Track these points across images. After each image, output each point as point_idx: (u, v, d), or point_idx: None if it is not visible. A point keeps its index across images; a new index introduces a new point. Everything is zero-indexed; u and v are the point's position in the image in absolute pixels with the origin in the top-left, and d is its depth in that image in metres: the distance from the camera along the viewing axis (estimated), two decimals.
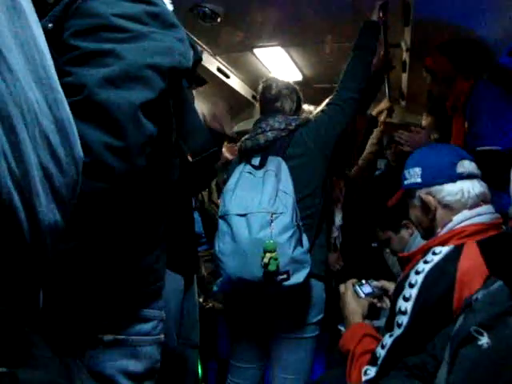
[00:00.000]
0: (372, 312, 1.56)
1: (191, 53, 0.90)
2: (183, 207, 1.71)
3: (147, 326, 0.96)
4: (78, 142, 0.51)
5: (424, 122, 2.79)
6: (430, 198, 1.38)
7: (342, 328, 1.55)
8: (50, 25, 0.78)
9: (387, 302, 1.63)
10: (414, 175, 1.42)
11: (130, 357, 0.92)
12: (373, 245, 2.58)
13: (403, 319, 1.21)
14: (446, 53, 2.12)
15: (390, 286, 1.63)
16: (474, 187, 1.35)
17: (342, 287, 1.61)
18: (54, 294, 0.54)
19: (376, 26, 2.03)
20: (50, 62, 0.48)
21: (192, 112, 0.98)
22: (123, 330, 0.92)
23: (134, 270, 0.94)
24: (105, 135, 0.71)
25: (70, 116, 0.50)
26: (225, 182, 1.99)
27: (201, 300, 2.35)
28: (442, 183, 1.36)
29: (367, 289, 1.59)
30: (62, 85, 0.51)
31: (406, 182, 1.47)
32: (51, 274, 0.52)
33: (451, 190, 1.35)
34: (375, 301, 1.59)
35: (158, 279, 1.00)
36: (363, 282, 1.61)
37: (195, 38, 2.42)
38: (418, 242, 1.79)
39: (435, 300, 1.17)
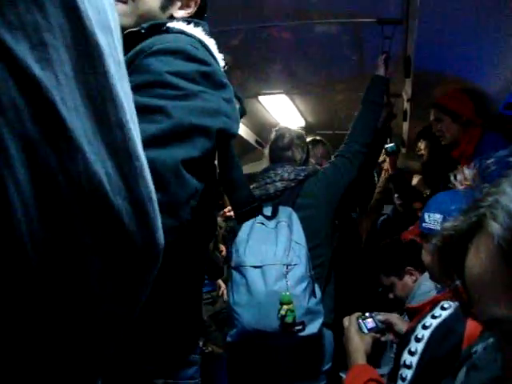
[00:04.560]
0: (375, 348, 1.53)
1: (237, 111, 0.94)
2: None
3: (191, 371, 0.99)
4: (159, 222, 0.39)
5: (414, 181, 2.84)
6: None
7: (344, 375, 1.52)
8: None
9: (391, 337, 1.61)
10: (433, 221, 1.40)
11: None
12: (379, 290, 2.56)
13: (407, 373, 1.20)
14: (473, 98, 2.14)
15: (394, 319, 1.61)
16: None
17: (345, 321, 1.59)
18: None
19: (384, 82, 2.08)
20: (132, 123, 0.38)
21: (236, 167, 1.02)
22: (172, 374, 0.95)
23: (186, 318, 0.98)
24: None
25: (151, 192, 0.39)
26: (231, 230, 2.00)
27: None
28: None
29: (371, 324, 1.57)
30: None
31: (424, 225, 1.44)
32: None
33: None
34: (378, 336, 1.56)
35: (203, 328, 1.04)
36: (367, 314, 1.58)
37: None
38: (422, 289, 1.78)
39: (441, 357, 1.15)
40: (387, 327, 1.62)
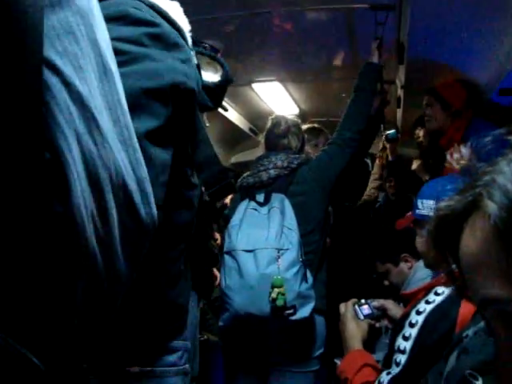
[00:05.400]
0: (371, 334, 1.55)
1: (196, 73, 0.89)
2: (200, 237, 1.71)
3: (172, 357, 0.96)
4: (153, 199, 0.51)
5: (414, 166, 2.85)
6: None
7: (338, 362, 1.54)
8: None
9: (386, 323, 1.62)
10: (427, 207, 1.41)
11: None
12: (373, 276, 2.58)
13: (401, 358, 1.21)
14: (467, 87, 2.15)
15: (388, 305, 1.63)
16: None
17: (342, 307, 1.60)
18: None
19: (376, 68, 2.08)
20: (130, 121, 0.50)
21: (206, 141, 0.97)
22: (149, 362, 0.92)
23: (157, 306, 0.94)
24: None
25: (147, 174, 0.51)
26: (226, 217, 2.01)
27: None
28: None
29: (366, 310, 1.58)
30: None
31: (417, 212, 1.46)
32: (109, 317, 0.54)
33: None
34: (373, 322, 1.58)
35: (182, 314, 1.00)
36: (363, 301, 1.60)
37: None
38: (418, 276, 1.79)
39: (434, 341, 1.17)
40: (382, 313, 1.63)
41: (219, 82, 1.05)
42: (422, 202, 1.44)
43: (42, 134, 0.40)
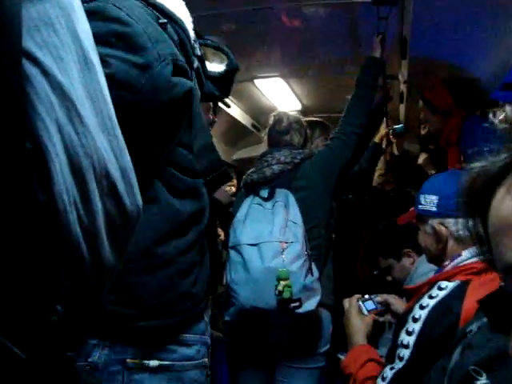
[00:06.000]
0: (375, 330, 1.56)
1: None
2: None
3: (190, 351, 0.97)
4: (138, 189, 0.52)
5: (420, 160, 2.85)
6: (443, 229, 1.35)
7: (342, 357, 1.54)
8: None
9: (389, 318, 1.63)
10: (429, 203, 1.39)
11: (175, 382, 0.94)
12: (374, 272, 2.58)
13: (405, 353, 1.21)
14: (448, 86, 2.16)
15: (393, 300, 1.63)
16: None
17: (346, 302, 1.61)
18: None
19: (378, 63, 2.08)
20: (113, 112, 0.50)
21: (203, 129, 0.96)
22: (167, 355, 0.94)
23: (170, 296, 0.95)
24: None
25: (131, 164, 0.51)
26: (229, 214, 2.01)
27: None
28: (456, 216, 1.33)
29: (370, 305, 1.59)
30: None
31: (420, 207, 1.44)
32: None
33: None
34: (377, 317, 1.58)
35: (196, 304, 1.00)
36: (366, 297, 1.60)
37: None
38: (420, 271, 1.79)
39: (438, 336, 1.16)
40: (386, 308, 1.64)
41: (225, 70, 1.07)
42: (424, 198, 1.42)
43: (22, 124, 0.41)
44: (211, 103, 1.79)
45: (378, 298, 1.63)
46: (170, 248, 0.95)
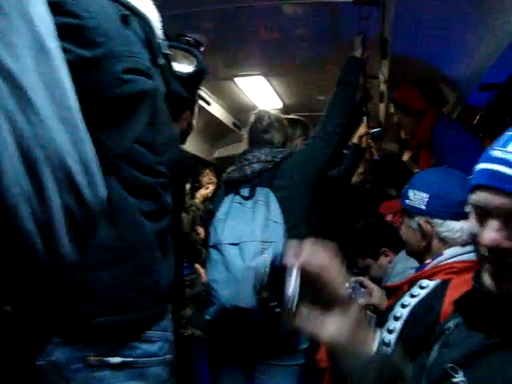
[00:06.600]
0: None
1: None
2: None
3: (153, 348, 0.97)
4: (102, 181, 0.50)
5: (405, 157, 2.88)
6: (429, 228, 1.34)
7: None
8: None
9: (369, 313, 1.64)
10: (419, 199, 1.36)
11: (137, 378, 0.94)
12: (354, 271, 2.61)
13: (386, 351, 1.22)
14: (418, 85, 2.16)
15: (372, 287, 1.66)
16: (470, 224, 1.31)
17: None
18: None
19: (359, 63, 2.08)
20: (74, 102, 0.48)
21: (166, 124, 0.97)
22: (130, 352, 0.93)
23: (129, 292, 0.94)
24: None
25: (93, 155, 0.49)
26: (210, 212, 2.00)
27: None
28: (445, 218, 1.32)
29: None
30: None
31: (407, 202, 1.40)
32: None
33: (452, 228, 1.31)
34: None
35: (158, 301, 1.00)
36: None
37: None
38: (398, 269, 1.81)
39: (419, 335, 1.17)
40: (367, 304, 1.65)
41: (193, 71, 1.09)
42: (414, 193, 1.38)
43: None
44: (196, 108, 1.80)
45: (354, 278, 1.65)
46: (126, 243, 0.95)
